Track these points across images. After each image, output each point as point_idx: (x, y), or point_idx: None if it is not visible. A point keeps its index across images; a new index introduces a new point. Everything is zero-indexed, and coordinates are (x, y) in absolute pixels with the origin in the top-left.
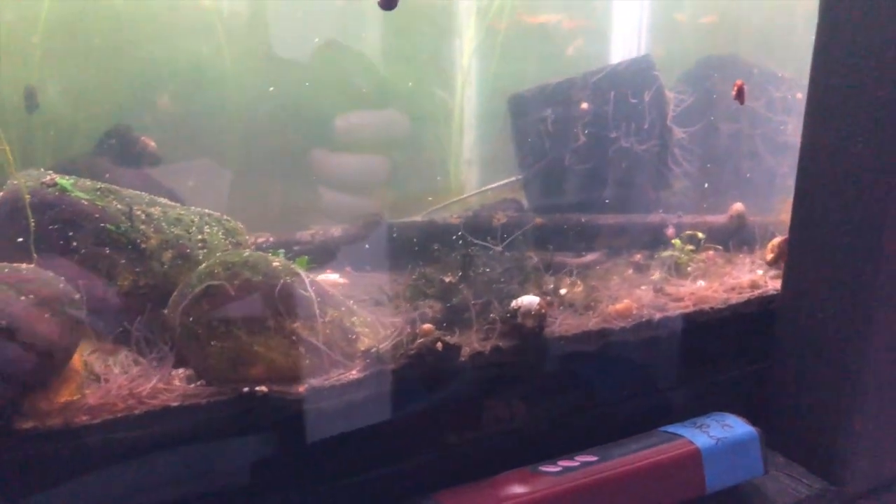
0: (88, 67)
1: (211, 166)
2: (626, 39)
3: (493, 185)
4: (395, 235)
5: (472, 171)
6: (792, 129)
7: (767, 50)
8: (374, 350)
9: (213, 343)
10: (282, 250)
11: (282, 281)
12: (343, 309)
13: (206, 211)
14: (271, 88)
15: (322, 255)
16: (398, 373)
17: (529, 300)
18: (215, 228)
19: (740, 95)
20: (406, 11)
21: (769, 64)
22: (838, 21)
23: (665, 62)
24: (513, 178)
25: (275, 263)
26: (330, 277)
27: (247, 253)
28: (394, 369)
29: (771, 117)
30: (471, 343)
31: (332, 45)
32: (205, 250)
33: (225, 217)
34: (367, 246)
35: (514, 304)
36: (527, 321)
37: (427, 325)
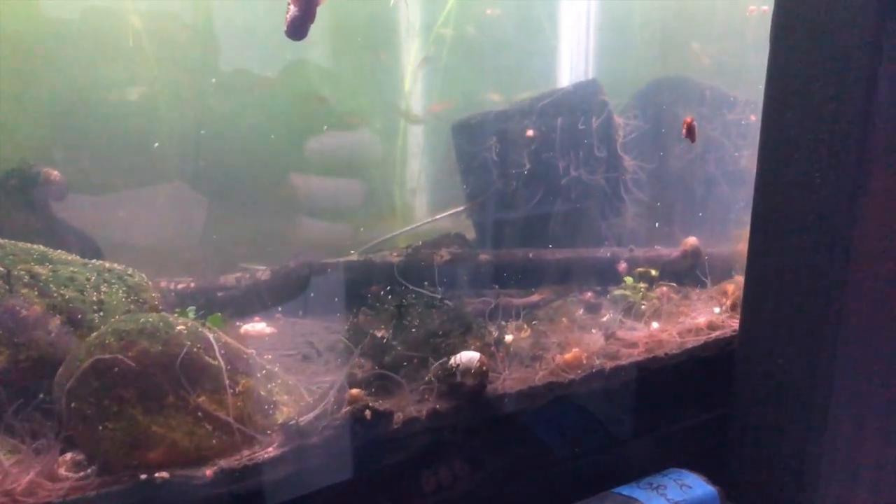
0: None
1: (145, 193)
2: (574, 59)
3: (438, 217)
4: (329, 278)
5: (417, 198)
6: (748, 155)
7: (718, 71)
8: (293, 423)
9: (105, 425)
10: (192, 308)
11: (185, 349)
12: (259, 375)
13: (107, 265)
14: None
15: (249, 302)
16: (322, 447)
17: (469, 357)
18: (115, 286)
19: (691, 134)
20: (344, 29)
21: (720, 84)
22: (791, 46)
23: (613, 84)
24: (459, 209)
25: (178, 327)
26: (257, 327)
27: (143, 319)
28: (316, 443)
29: (724, 142)
30: (405, 407)
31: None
32: (101, 314)
33: (128, 272)
34: (298, 290)
35: (452, 361)
36: (466, 380)
37: (355, 391)
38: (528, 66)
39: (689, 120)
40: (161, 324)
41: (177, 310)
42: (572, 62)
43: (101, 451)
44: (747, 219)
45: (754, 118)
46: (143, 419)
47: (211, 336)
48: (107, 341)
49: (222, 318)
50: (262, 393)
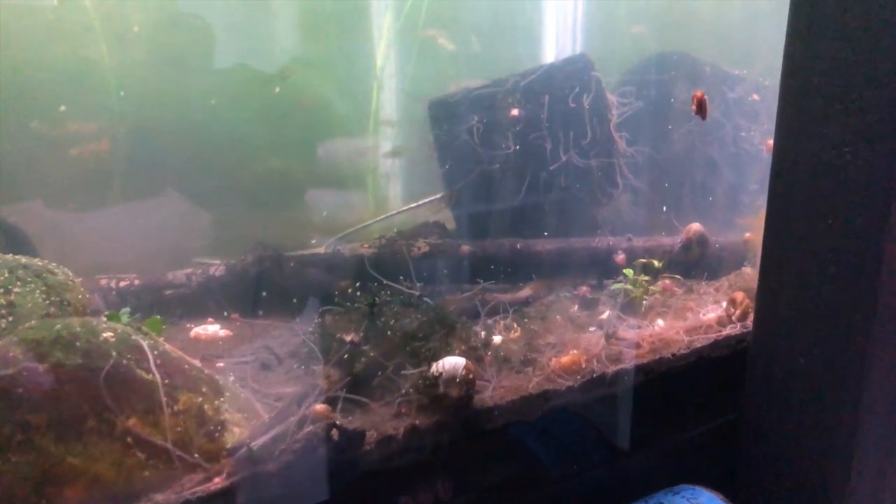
0: None
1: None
2: (560, 37)
3: (414, 205)
4: (293, 272)
5: (391, 186)
6: (754, 136)
7: (715, 44)
8: (245, 446)
9: (7, 458)
10: (126, 310)
11: (111, 362)
12: (206, 389)
13: (23, 261)
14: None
15: (202, 301)
16: (279, 475)
17: (453, 363)
18: (31, 286)
19: (701, 110)
20: (313, 11)
21: (718, 59)
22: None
23: (605, 61)
24: (437, 196)
25: (105, 334)
26: (209, 330)
27: (59, 326)
28: (273, 471)
29: (725, 122)
30: (379, 424)
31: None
32: (11, 318)
33: (50, 268)
34: (257, 288)
35: (434, 368)
36: (451, 390)
37: (320, 406)
38: (511, 41)
39: (699, 94)
40: (82, 331)
41: (106, 313)
42: (558, 37)
43: (3, 490)
44: (757, 204)
45: (757, 97)
46: (55, 449)
47: (146, 344)
48: (11, 354)
49: (165, 321)
50: (209, 411)
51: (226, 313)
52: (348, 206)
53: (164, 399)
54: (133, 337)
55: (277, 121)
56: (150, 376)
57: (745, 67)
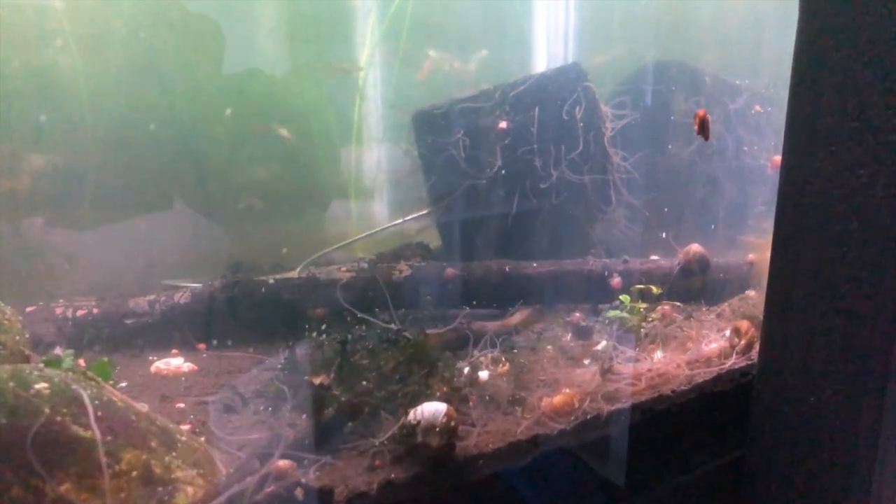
0: None
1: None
2: (551, 45)
3: (396, 223)
4: (265, 298)
5: (375, 201)
6: (757, 151)
7: (716, 52)
8: None
9: None
10: (69, 352)
11: (41, 419)
12: (154, 444)
13: None
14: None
15: (165, 331)
16: None
17: (433, 410)
18: None
19: (704, 130)
20: (296, 18)
21: (719, 68)
22: (829, 15)
23: (599, 70)
24: (422, 213)
25: (38, 386)
26: (172, 364)
27: None
28: None
29: (728, 135)
30: (350, 478)
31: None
32: None
33: None
34: (228, 314)
35: (411, 416)
36: (430, 440)
37: (282, 462)
38: (500, 49)
39: (701, 113)
40: (11, 384)
41: (43, 358)
42: (549, 45)
43: None
44: (763, 226)
45: (759, 108)
46: None
47: (86, 395)
48: None
49: (125, 353)
50: (157, 469)
51: (193, 343)
52: (331, 219)
53: (103, 459)
54: (73, 387)
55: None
56: (88, 433)
57: (747, 77)
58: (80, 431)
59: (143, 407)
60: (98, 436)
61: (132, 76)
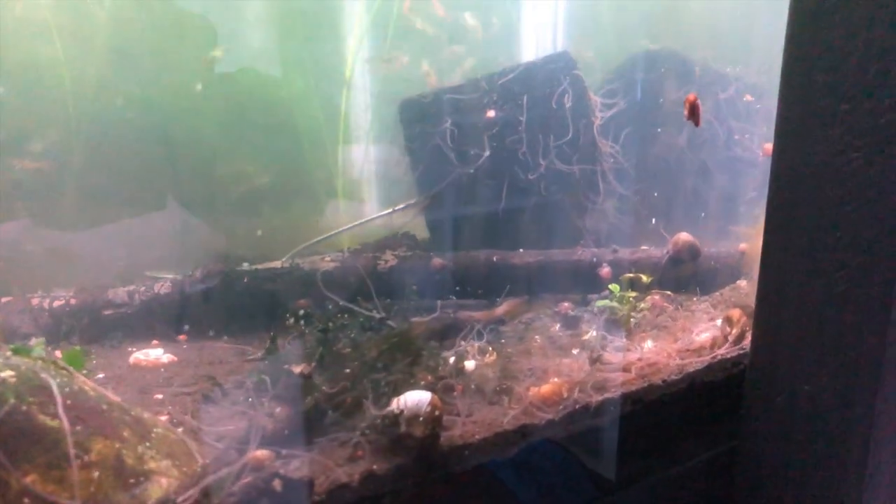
0: None
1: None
2: (540, 33)
3: (385, 213)
4: (247, 288)
5: (363, 192)
6: (748, 139)
7: (706, 40)
8: (170, 502)
9: None
10: (40, 341)
11: (6, 408)
12: (127, 433)
13: None
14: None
15: (145, 321)
16: None
17: (417, 399)
18: None
19: (694, 115)
20: (285, 10)
21: (709, 56)
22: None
23: (588, 59)
24: (408, 203)
25: (4, 374)
26: (151, 355)
27: None
28: None
29: (719, 124)
30: (331, 470)
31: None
32: None
33: None
34: (209, 305)
35: (394, 405)
36: (414, 429)
37: (260, 452)
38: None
39: (691, 98)
40: None
41: (11, 346)
42: (538, 33)
43: None
44: (755, 213)
45: (750, 97)
46: None
47: (55, 384)
48: None
49: (103, 344)
50: (129, 460)
51: (173, 334)
52: (319, 212)
53: (72, 450)
54: (41, 376)
55: (242, 124)
56: (56, 423)
57: (738, 65)
58: (48, 421)
59: (116, 397)
60: (66, 425)
61: (117, 70)
